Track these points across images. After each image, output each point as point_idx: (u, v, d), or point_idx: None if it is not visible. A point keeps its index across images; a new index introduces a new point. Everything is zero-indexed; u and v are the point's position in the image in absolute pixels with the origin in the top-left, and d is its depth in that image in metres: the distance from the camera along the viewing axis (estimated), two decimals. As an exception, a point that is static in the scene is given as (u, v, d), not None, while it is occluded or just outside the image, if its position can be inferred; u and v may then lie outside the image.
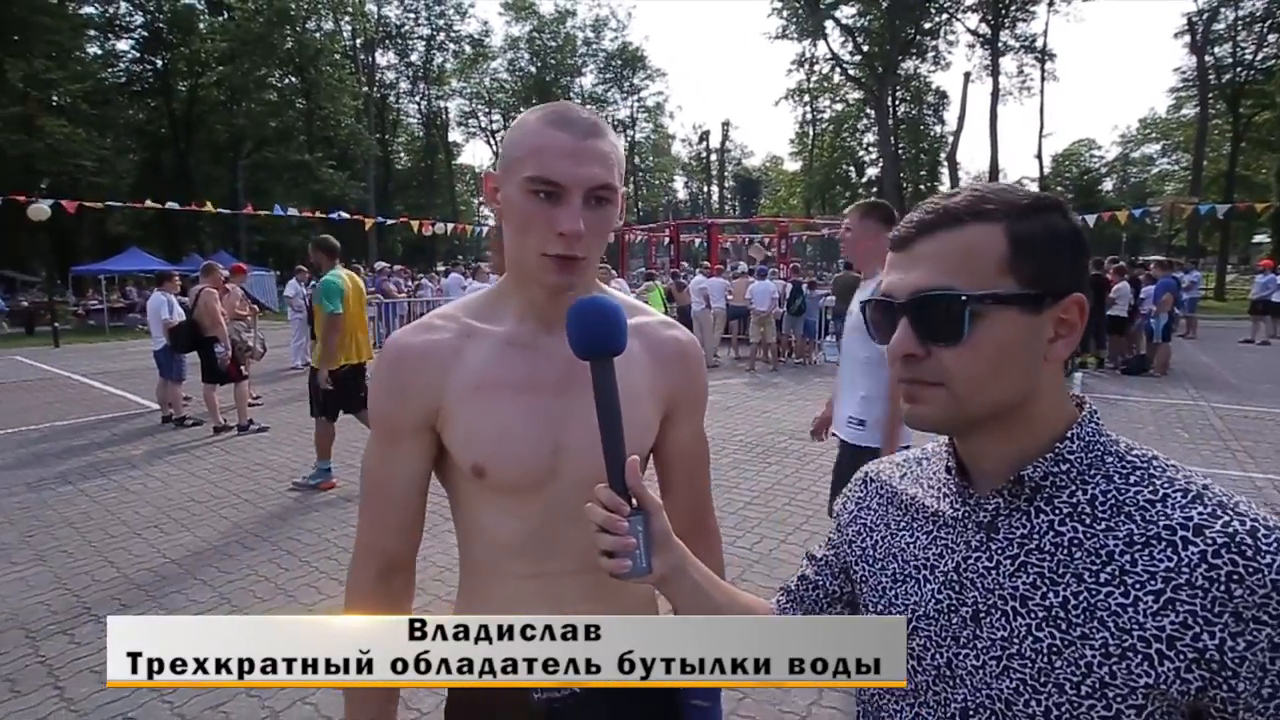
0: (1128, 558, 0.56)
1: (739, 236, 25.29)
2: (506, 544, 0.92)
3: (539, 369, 0.89)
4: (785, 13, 34.67)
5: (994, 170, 32.26)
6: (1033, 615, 0.58)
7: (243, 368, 7.06)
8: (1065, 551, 0.58)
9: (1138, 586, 0.54)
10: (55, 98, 25.69)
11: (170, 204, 15.82)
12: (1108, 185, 44.84)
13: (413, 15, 40.80)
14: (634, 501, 0.69)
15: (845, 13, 33.47)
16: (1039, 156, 33.73)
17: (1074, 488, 0.60)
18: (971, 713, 0.61)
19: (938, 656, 0.64)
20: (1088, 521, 0.58)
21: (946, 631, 0.63)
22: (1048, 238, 0.59)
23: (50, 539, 4.13)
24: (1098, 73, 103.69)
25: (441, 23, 41.44)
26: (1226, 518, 0.54)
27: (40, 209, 13.59)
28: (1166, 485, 0.58)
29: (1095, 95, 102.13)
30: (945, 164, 36.34)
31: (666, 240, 20.08)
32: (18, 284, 23.95)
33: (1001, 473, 0.62)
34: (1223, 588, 0.52)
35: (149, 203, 15.92)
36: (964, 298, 0.58)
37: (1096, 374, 10.08)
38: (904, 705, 0.66)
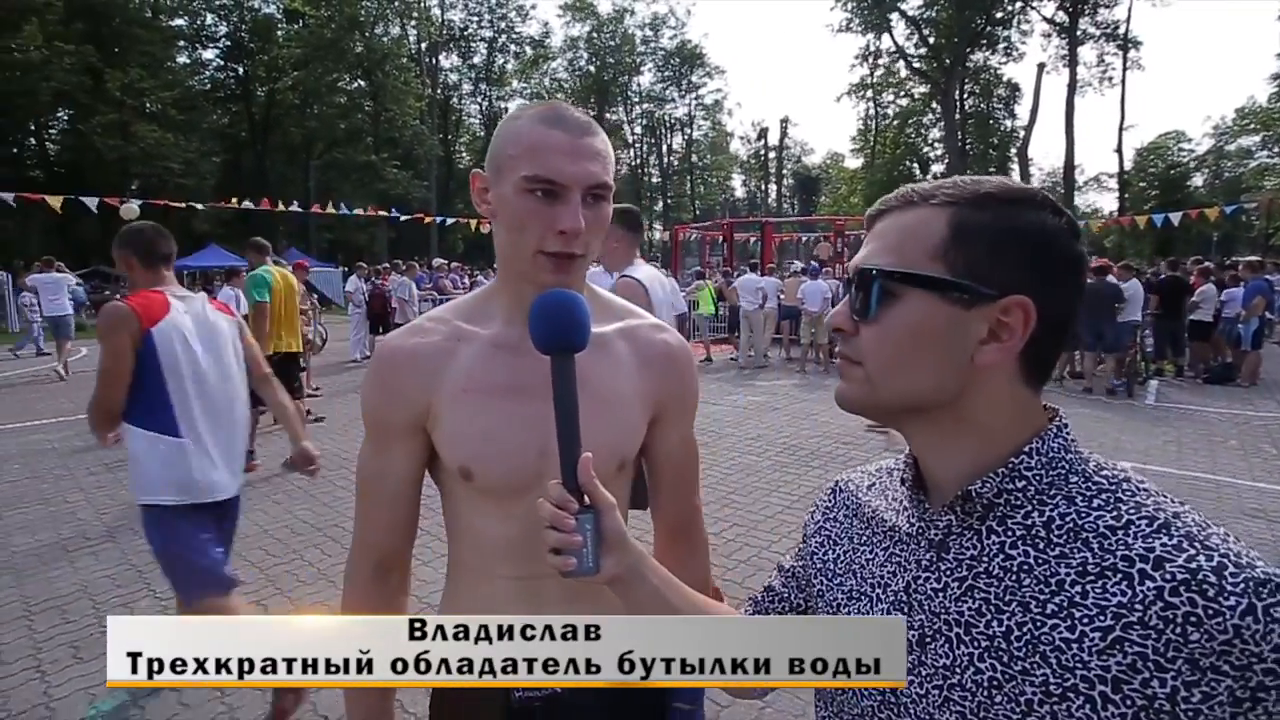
0: (1079, 588, 0.50)
1: (799, 235, 24.88)
2: (492, 545, 0.92)
3: (525, 373, 0.88)
4: (849, 5, 33.86)
5: (1069, 165, 30.70)
6: (975, 644, 0.54)
7: (301, 360, 7.38)
8: (1014, 577, 0.53)
9: (1085, 621, 0.49)
10: (148, 105, 27.49)
11: (246, 203, 16.70)
12: (1198, 180, 41.81)
13: (476, 18, 41.88)
14: (585, 499, 0.68)
15: (912, 4, 32.46)
16: (1119, 150, 31.84)
17: (1030, 508, 0.55)
18: None
19: None
20: (1041, 546, 0.53)
21: None
22: (999, 230, 0.54)
23: (120, 518, 4.41)
24: (1188, 60, 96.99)
25: (503, 25, 42.37)
26: (1192, 551, 0.48)
27: (131, 209, 14.52)
28: (1132, 511, 0.52)
29: (1185, 85, 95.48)
30: (1016, 160, 34.74)
31: (720, 239, 19.91)
32: (112, 279, 25.79)
33: (953, 487, 0.58)
34: (1178, 630, 0.46)
35: (225, 203, 16.82)
36: (875, 273, 0.56)
37: (1175, 382, 9.44)
38: None
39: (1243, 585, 0.45)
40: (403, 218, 18.35)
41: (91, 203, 12.07)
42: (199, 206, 18.93)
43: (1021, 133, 34.21)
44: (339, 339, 12.16)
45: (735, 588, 3.35)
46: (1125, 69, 30.57)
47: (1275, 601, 0.45)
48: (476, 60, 43.04)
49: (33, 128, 27.22)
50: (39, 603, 3.30)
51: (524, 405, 0.88)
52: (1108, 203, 46.93)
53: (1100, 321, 8.11)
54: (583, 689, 0.93)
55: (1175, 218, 13.57)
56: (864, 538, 0.67)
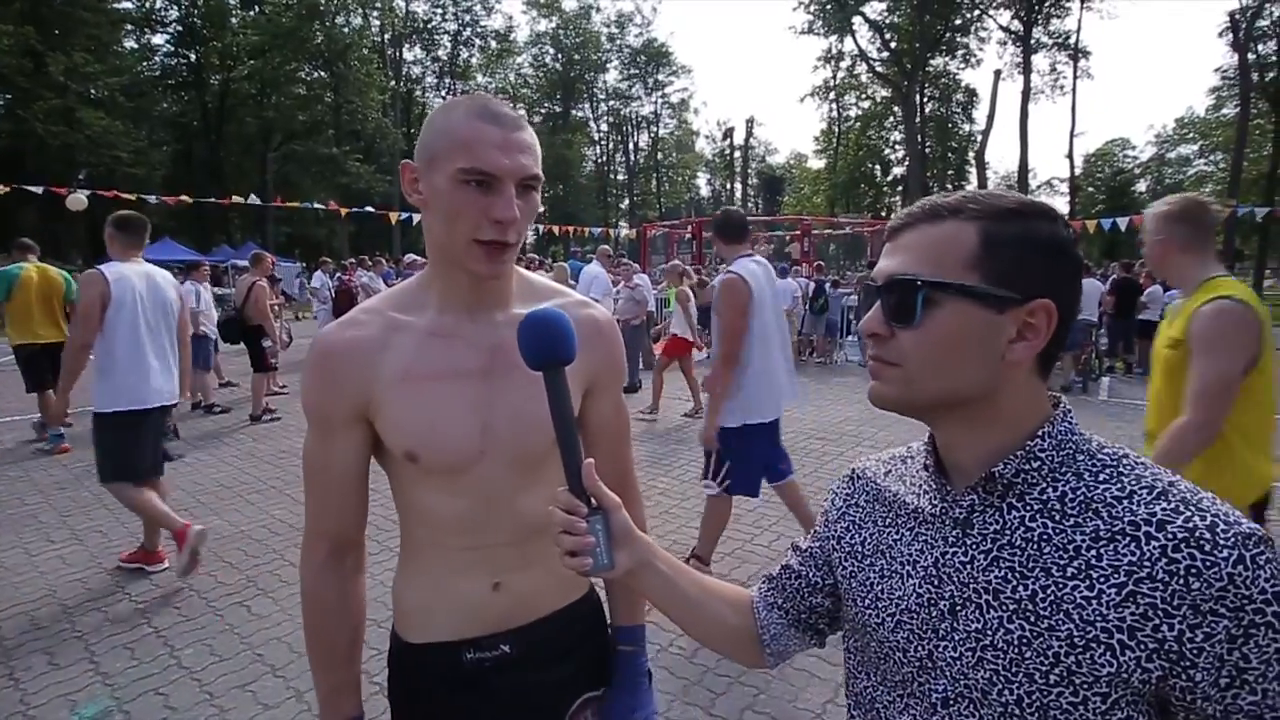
0: (1094, 552, 0.58)
1: (768, 234, 25.15)
2: (443, 521, 0.96)
3: (462, 357, 0.94)
4: (812, 8, 34.34)
5: (1023, 169, 31.71)
6: (1004, 608, 0.60)
7: (273, 359, 7.23)
8: (1035, 547, 0.60)
9: (1102, 580, 0.57)
10: (94, 91, 26.32)
11: (209, 198, 16.15)
12: (1141, 186, 43.71)
13: (440, 10, 41.18)
14: (593, 502, 0.73)
15: (874, 8, 33.11)
16: (1070, 156, 33.00)
17: (1045, 485, 0.62)
18: (951, 701, 0.63)
19: (920, 649, 0.66)
20: (1057, 518, 0.60)
21: (927, 625, 0.66)
22: (1023, 241, 0.61)
23: (86, 519, 4.26)
24: (1133, 71, 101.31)
25: (468, 18, 41.75)
26: (1189, 513, 0.56)
27: (78, 199, 13.91)
28: (1134, 482, 0.59)
29: (1130, 94, 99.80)
30: (974, 163, 35.75)
31: (688, 237, 20.03)
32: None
33: (976, 470, 0.65)
34: (1181, 581, 0.54)
35: (184, 197, 16.24)
36: (920, 283, 0.61)
37: (1125, 378, 9.88)
38: (894, 696, 0.69)
39: (1233, 539, 0.53)
40: (369, 211, 17.95)
41: (39, 191, 11.46)
42: (150, 199, 18.21)
43: (979, 137, 35.23)
44: (304, 335, 11.88)
45: (721, 580, 3.41)
46: (1075, 77, 31.76)
47: (1260, 551, 0.53)
48: (440, 53, 42.35)
49: (-33, 113, 25.84)
50: (4, 609, 3.17)
51: (463, 388, 0.92)
52: (1059, 206, 48.40)
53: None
54: (531, 648, 1.00)
55: (1122, 222, 14.16)
56: (888, 520, 0.73)
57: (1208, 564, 0.53)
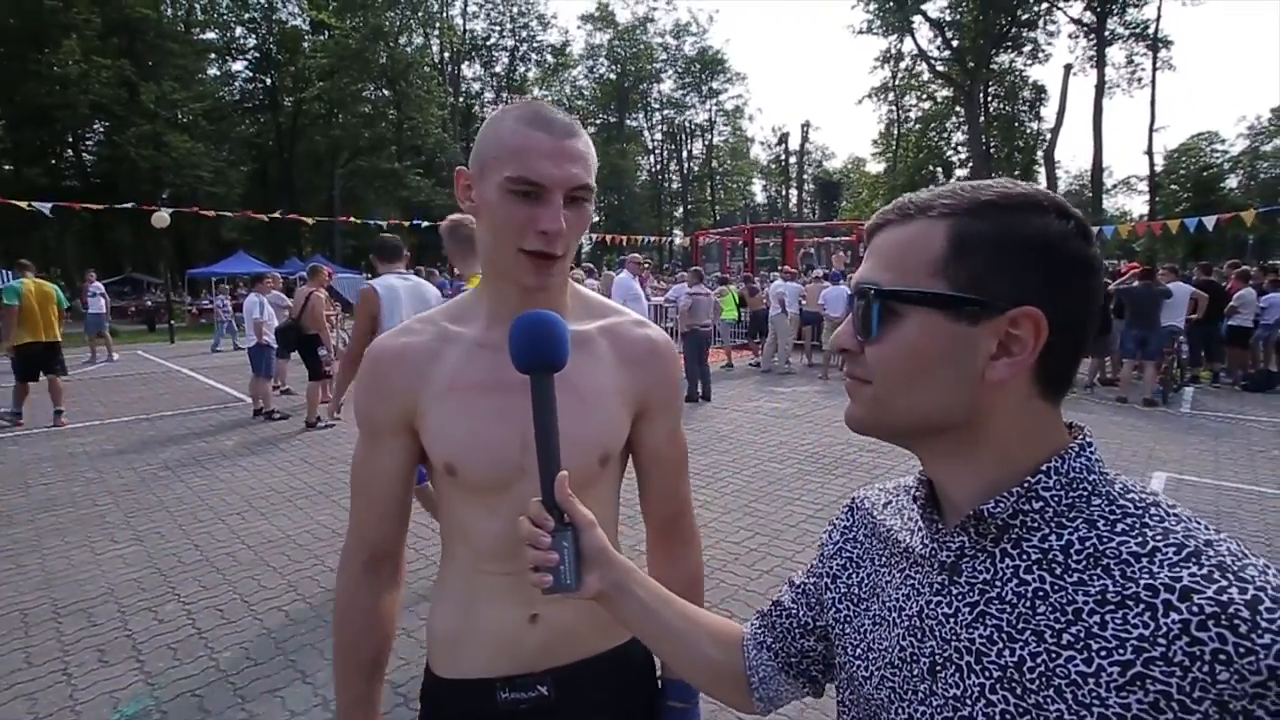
0: (1097, 618, 0.47)
1: (818, 240, 24.67)
2: (480, 541, 0.94)
3: (507, 370, 0.90)
4: (871, 6, 33.57)
5: (1097, 168, 30.10)
6: (987, 674, 0.51)
7: (327, 367, 7.48)
8: (1028, 604, 0.50)
9: (1103, 654, 0.46)
10: (180, 116, 28.18)
11: (275, 214, 17.03)
12: (1232, 182, 40.75)
13: (498, 28, 42.32)
14: (565, 517, 0.69)
15: (935, 5, 32.11)
16: (1149, 152, 31.08)
17: (1047, 531, 0.51)
18: None
19: (900, 712, 0.57)
20: (1058, 571, 0.50)
21: (908, 684, 0.57)
22: (1001, 239, 0.51)
23: (148, 520, 4.47)
24: (1221, 60, 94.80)
25: (525, 34, 42.75)
26: (1224, 582, 0.43)
27: (161, 217, 14.90)
28: (1159, 537, 0.48)
29: (1218, 85, 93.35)
30: (1042, 162, 34.13)
31: (741, 243, 19.82)
32: (144, 285, 26.38)
33: (967, 507, 0.55)
34: (1206, 668, 0.42)
35: (251, 213, 17.18)
36: (873, 292, 0.54)
37: (1212, 389, 9.16)
38: None
39: None
40: (425, 224, 18.54)
41: (129, 207, 12.31)
42: (229, 215, 19.33)
43: (1048, 135, 33.60)
44: (362, 345, 12.30)
45: (759, 599, 3.29)
46: (1155, 69, 29.89)
47: None
48: (498, 69, 43.47)
49: (70, 140, 28.04)
50: (67, 605, 3.34)
51: (506, 402, 0.89)
52: (1137, 206, 45.94)
53: (1144, 328, 7.90)
54: (571, 692, 0.94)
55: (1209, 221, 13.19)
56: (883, 559, 0.65)
57: (1241, 650, 0.41)
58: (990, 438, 0.54)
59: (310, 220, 19.01)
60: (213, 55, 32.57)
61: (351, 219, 19.04)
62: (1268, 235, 32.80)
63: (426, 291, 3.80)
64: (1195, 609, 0.43)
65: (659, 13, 51.83)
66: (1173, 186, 39.18)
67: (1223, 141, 40.71)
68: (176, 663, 2.85)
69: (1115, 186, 43.53)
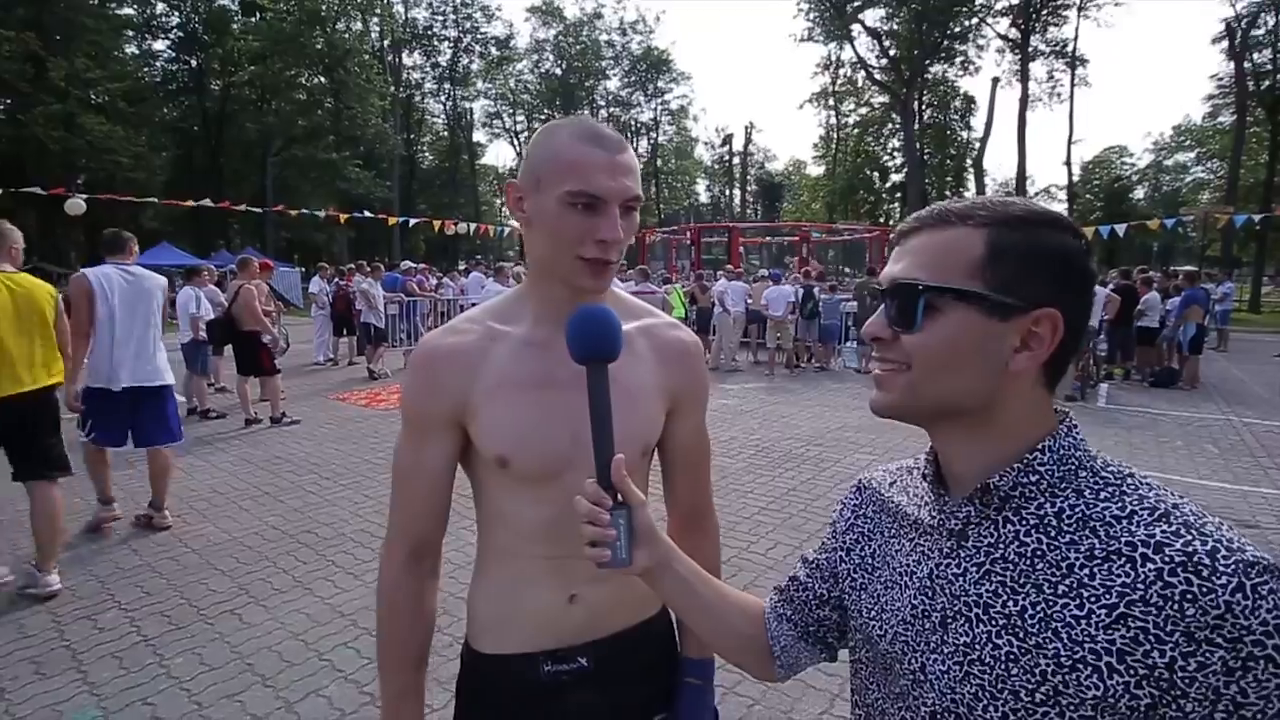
0: (1087, 571, 0.56)
1: (761, 240, 25.18)
2: (528, 528, 0.99)
3: (556, 367, 0.95)
4: (812, 15, 34.47)
5: (1021, 177, 31.75)
6: (993, 622, 0.60)
7: (275, 362, 7.19)
8: (1028, 562, 0.59)
9: (1093, 600, 0.55)
10: (94, 96, 26.39)
11: (205, 201, 16.16)
12: (1139, 193, 43.81)
13: (440, 17, 41.33)
14: (619, 497, 0.74)
15: (873, 16, 33.21)
16: (1068, 163, 33.02)
17: (1042, 500, 0.61)
18: (939, 716, 0.63)
19: (913, 661, 0.66)
20: (1053, 534, 0.59)
21: (920, 637, 0.65)
22: (1029, 250, 0.60)
23: (78, 531, 4.22)
24: (1131, 79, 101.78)
25: (468, 24, 41.89)
26: (1189, 537, 0.54)
27: (76, 204, 13.92)
28: (1136, 503, 0.58)
29: (1128, 102, 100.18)
30: (972, 170, 35.83)
31: (687, 242, 20.05)
32: (55, 277, 24.58)
33: (974, 481, 0.64)
34: (1175, 606, 0.52)
35: (185, 201, 16.27)
36: (921, 288, 0.61)
37: (1123, 385, 9.87)
38: (894, 708, 0.69)
39: (1234, 566, 0.51)
40: (369, 216, 17.98)
41: (42, 192, 11.47)
42: (154, 201, 18.23)
43: (977, 144, 35.32)
44: (302, 341, 11.85)
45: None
46: (1073, 85, 31.83)
47: (1262, 581, 0.50)
48: (441, 59, 42.46)
49: (-34, 117, 25.87)
50: (-6, 617, 3.14)
51: (555, 396, 0.95)
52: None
53: None
54: (608, 663, 1.01)
55: (1120, 229, 14.19)
56: (892, 531, 0.74)
57: (1204, 590, 0.51)
58: (1003, 420, 0.63)
59: (241, 209, 18.12)
60: (130, 32, 30.59)
61: (286, 209, 18.20)
62: (1170, 243, 35.42)
63: (148, 284, 4.23)
64: (1167, 559, 0.53)
65: (607, 9, 51.57)
66: (1088, 196, 41.80)
67: (1131, 155, 43.83)
68: (123, 671, 2.73)
69: (1037, 194, 46.04)
